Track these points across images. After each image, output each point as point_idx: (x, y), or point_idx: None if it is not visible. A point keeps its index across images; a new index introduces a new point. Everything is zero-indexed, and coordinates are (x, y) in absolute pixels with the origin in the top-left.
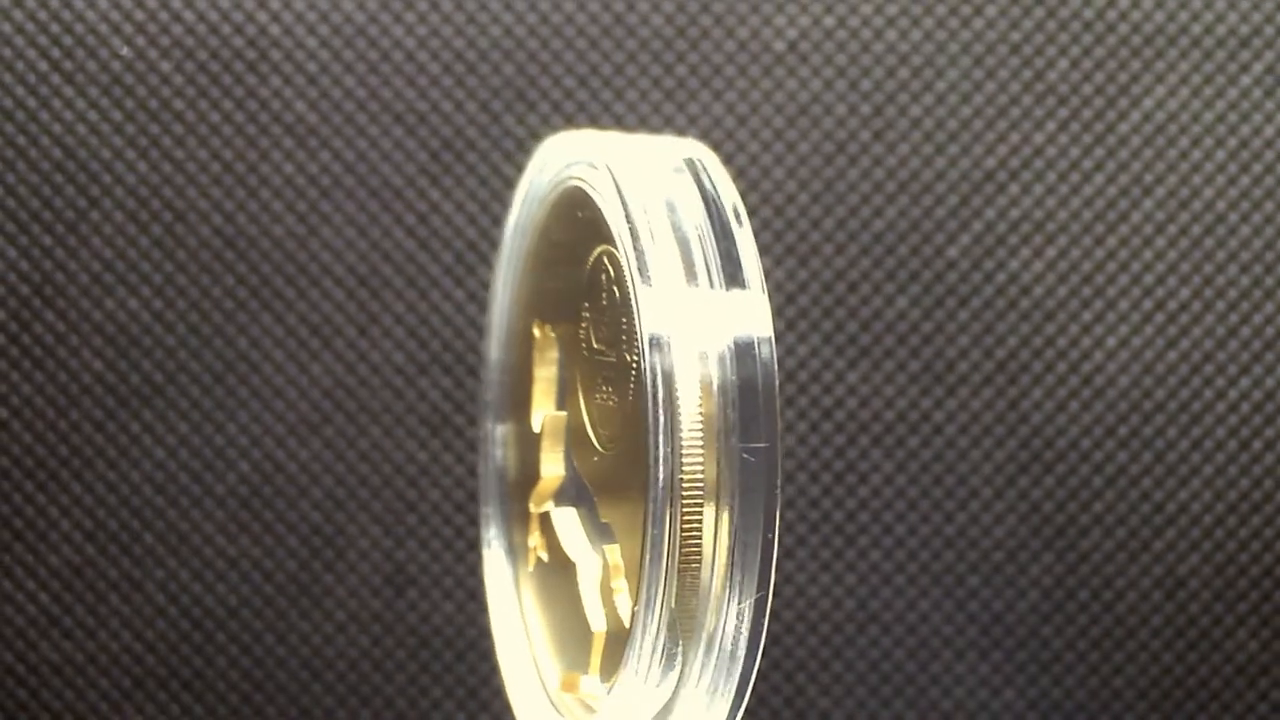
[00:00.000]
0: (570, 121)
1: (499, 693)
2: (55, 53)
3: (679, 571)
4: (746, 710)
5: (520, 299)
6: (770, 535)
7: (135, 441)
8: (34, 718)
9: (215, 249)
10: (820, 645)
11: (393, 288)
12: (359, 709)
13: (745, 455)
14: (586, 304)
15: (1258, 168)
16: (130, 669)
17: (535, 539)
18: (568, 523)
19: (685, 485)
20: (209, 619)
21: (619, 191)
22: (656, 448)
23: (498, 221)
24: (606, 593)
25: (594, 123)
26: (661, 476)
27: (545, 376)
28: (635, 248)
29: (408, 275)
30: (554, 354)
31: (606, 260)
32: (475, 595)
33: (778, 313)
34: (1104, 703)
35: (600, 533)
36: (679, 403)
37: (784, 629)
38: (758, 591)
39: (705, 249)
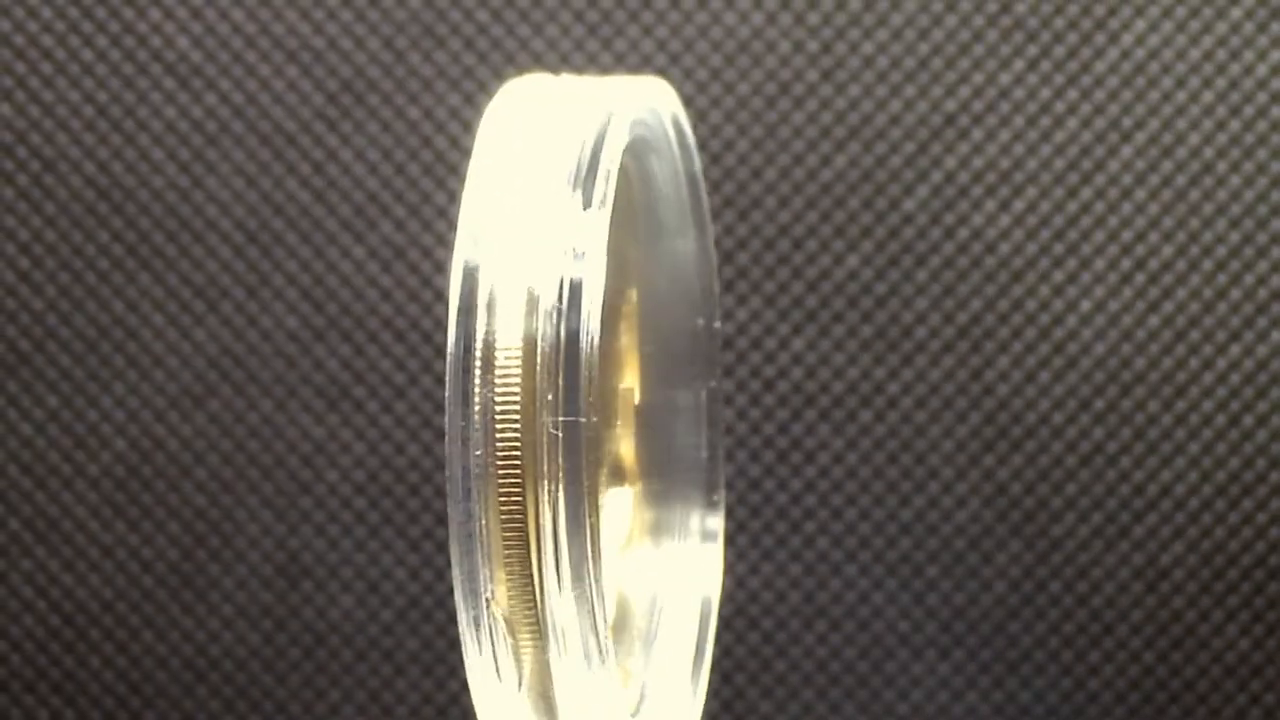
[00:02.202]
0: (484, 60)
1: (402, 697)
2: None
3: (505, 559)
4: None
5: None
6: (593, 519)
7: None
8: None
9: (88, 201)
10: (762, 643)
11: (285, 244)
12: (247, 714)
13: (553, 430)
14: None
15: (1249, 111)
16: None
17: None
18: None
19: (500, 462)
20: (81, 614)
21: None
22: (455, 410)
23: (401, 170)
24: None
25: (510, 61)
26: (455, 447)
27: None
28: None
29: (301, 231)
30: None
31: None
32: (376, 587)
33: (713, 272)
34: (1078, 707)
35: None
36: (474, 337)
37: (721, 625)
38: (589, 579)
39: (576, 178)
